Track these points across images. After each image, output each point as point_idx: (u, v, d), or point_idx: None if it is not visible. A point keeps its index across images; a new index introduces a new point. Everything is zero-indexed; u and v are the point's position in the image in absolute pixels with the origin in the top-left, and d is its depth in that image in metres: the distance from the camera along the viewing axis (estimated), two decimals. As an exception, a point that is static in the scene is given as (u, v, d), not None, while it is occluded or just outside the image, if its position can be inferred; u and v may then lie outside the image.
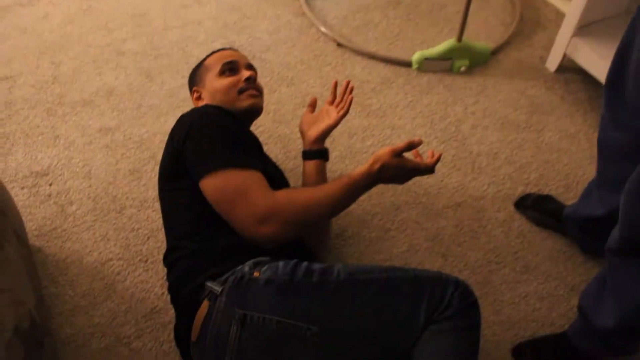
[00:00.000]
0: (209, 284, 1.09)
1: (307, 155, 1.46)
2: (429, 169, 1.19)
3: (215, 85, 1.42)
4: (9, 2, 2.39)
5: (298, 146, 1.83)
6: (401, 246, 1.60)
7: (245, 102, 1.41)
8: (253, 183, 1.14)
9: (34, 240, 1.58)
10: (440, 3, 2.42)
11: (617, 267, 1.18)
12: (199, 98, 1.46)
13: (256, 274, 1.08)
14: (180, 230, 1.22)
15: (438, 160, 1.20)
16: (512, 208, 1.70)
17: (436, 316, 1.06)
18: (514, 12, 2.37)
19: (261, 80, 2.04)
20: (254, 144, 1.33)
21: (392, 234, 1.63)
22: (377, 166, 1.16)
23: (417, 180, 1.73)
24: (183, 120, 1.26)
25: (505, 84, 2.07)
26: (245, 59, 1.52)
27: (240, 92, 1.41)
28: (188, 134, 1.20)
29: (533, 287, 1.53)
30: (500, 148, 1.85)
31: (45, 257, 1.55)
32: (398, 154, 1.17)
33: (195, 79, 1.50)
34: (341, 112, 1.43)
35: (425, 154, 1.29)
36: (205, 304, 1.08)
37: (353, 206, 1.64)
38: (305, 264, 1.12)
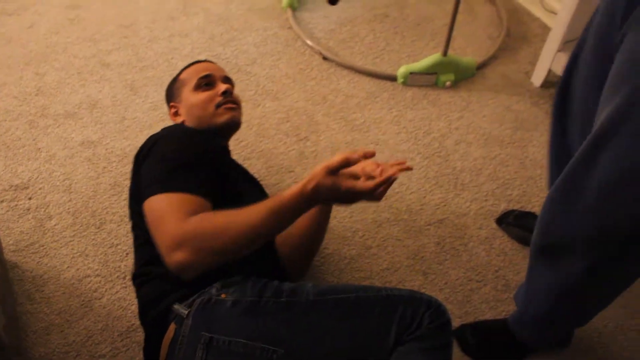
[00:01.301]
0: (175, 306, 1.08)
1: None
2: (368, 193, 0.98)
3: (191, 101, 1.40)
4: (-5, 12, 2.38)
5: (281, 161, 1.82)
6: (382, 264, 1.59)
7: (223, 117, 1.39)
8: (172, 208, 1.05)
9: (10, 256, 1.56)
10: (427, 17, 2.42)
11: (531, 264, 1.27)
12: (176, 114, 1.45)
13: (223, 295, 1.07)
14: (146, 253, 1.20)
15: (383, 183, 0.98)
16: (494, 225, 1.69)
17: (405, 337, 1.04)
18: (500, 26, 2.37)
19: (245, 93, 2.04)
20: (214, 164, 1.23)
21: (373, 251, 1.62)
22: (311, 185, 0.99)
23: (399, 196, 1.74)
24: (147, 142, 1.25)
25: (491, 98, 2.07)
26: (222, 71, 1.50)
27: (218, 106, 1.39)
28: (147, 156, 1.19)
29: (514, 306, 1.52)
30: (483, 164, 1.85)
31: (22, 273, 1.54)
32: (332, 171, 0.98)
33: (171, 93, 1.49)
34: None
35: (407, 162, 1.17)
36: (172, 327, 1.06)
37: (333, 222, 1.66)
38: (275, 283, 1.10)
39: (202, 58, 2.16)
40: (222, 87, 1.41)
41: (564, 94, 1.28)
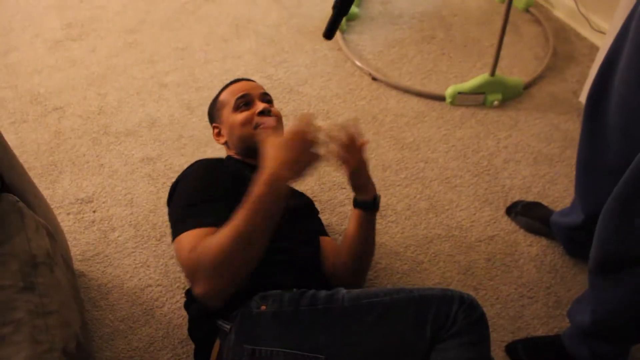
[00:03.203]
0: (219, 322, 1.12)
1: (354, 201, 1.39)
2: (297, 132, 1.03)
3: (231, 122, 1.43)
4: (61, 36, 2.52)
5: (333, 178, 1.87)
6: (434, 279, 1.62)
7: (261, 137, 1.40)
8: (184, 245, 1.08)
9: (77, 265, 1.65)
10: (474, 38, 2.45)
11: (595, 282, 1.25)
12: (219, 134, 1.50)
13: (263, 307, 1.10)
14: None
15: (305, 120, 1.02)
16: (545, 242, 1.70)
17: (442, 334, 1.04)
18: (547, 46, 2.39)
19: (298, 112, 2.10)
20: (238, 189, 1.17)
21: (424, 266, 1.64)
22: (263, 167, 1.03)
23: (450, 213, 1.76)
24: (173, 183, 1.32)
25: (538, 117, 2.09)
26: (259, 88, 1.51)
27: (256, 127, 1.40)
28: (171, 199, 1.29)
29: (566, 323, 1.52)
30: (532, 182, 1.86)
31: (88, 282, 1.62)
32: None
33: (213, 115, 1.53)
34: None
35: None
36: (217, 343, 1.11)
37: (385, 237, 1.69)
38: (311, 292, 1.12)
39: (253, 78, 2.25)
40: (260, 106, 1.43)
41: (598, 97, 1.26)
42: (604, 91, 1.24)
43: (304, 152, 1.05)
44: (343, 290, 1.12)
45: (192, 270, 1.03)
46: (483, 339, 1.08)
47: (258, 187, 1.02)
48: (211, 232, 1.07)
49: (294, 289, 1.15)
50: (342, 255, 1.41)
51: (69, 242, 1.64)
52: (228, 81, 1.56)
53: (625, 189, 1.07)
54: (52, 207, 1.75)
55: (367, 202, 1.36)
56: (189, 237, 1.09)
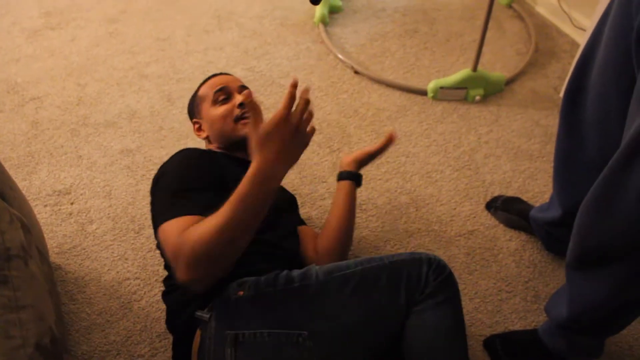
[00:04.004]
0: (198, 312, 1.11)
1: (339, 176, 1.52)
2: (283, 119, 0.97)
3: (211, 116, 1.43)
4: (40, 25, 2.48)
5: (314, 172, 1.87)
6: (413, 273, 1.62)
7: (242, 131, 1.40)
8: (171, 232, 1.07)
9: (54, 258, 1.63)
10: (456, 32, 2.46)
11: (572, 277, 1.27)
12: (199, 129, 1.49)
13: (240, 292, 1.10)
14: (168, 266, 1.26)
15: (289, 102, 0.97)
16: (524, 237, 1.71)
17: (417, 296, 1.09)
18: (529, 42, 2.40)
19: (279, 105, 2.08)
20: (222, 180, 1.24)
21: (404, 260, 1.65)
22: (252, 159, 1.00)
23: (430, 207, 1.76)
24: (157, 172, 1.30)
25: (519, 113, 2.10)
26: (237, 81, 1.50)
27: (236, 120, 1.40)
28: (154, 188, 1.27)
29: (543, 317, 1.53)
30: (512, 177, 1.87)
31: (65, 275, 1.60)
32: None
33: (193, 110, 1.52)
34: (383, 143, 1.49)
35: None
36: (198, 333, 1.10)
37: (365, 232, 1.69)
38: (285, 272, 1.14)
39: (237, 71, 2.23)
40: (239, 98, 1.42)
41: (575, 92, 1.27)
42: (581, 87, 1.25)
43: (291, 138, 0.99)
44: (315, 267, 1.14)
45: (174, 255, 1.02)
46: (454, 296, 1.13)
47: (249, 184, 0.98)
48: (195, 220, 1.06)
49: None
50: (326, 236, 1.44)
51: (45, 235, 1.61)
52: (210, 73, 1.54)
53: (603, 185, 1.08)
54: (28, 199, 1.73)
55: (354, 173, 1.50)
56: (177, 223, 1.08)
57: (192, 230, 1.02)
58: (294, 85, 0.97)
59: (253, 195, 0.98)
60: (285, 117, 0.97)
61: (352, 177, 1.50)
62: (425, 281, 1.09)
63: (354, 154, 1.54)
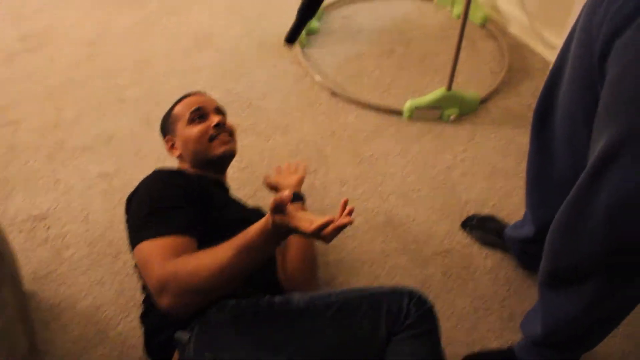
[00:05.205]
0: (177, 334, 1.11)
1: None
2: (311, 234, 0.94)
3: (186, 135, 1.43)
4: (18, 48, 2.48)
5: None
6: (390, 293, 1.63)
7: (217, 150, 1.42)
8: (154, 254, 1.08)
9: (29, 284, 1.61)
10: (432, 52, 2.50)
11: (545, 294, 1.29)
12: (172, 147, 1.49)
13: (221, 314, 1.11)
14: (146, 287, 1.25)
15: (324, 226, 0.92)
16: (499, 255, 1.73)
17: (397, 327, 1.09)
18: (502, 62, 2.45)
19: (257, 126, 2.11)
20: (197, 200, 1.25)
21: (381, 280, 1.66)
22: (272, 219, 0.99)
23: (407, 227, 1.78)
24: (132, 192, 1.30)
25: (494, 132, 2.13)
26: (213, 102, 1.53)
27: (211, 139, 1.42)
28: (129, 207, 1.28)
29: (519, 336, 1.55)
30: (488, 195, 1.90)
31: (39, 302, 1.58)
32: (277, 209, 0.97)
33: (166, 128, 1.52)
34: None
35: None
36: (176, 355, 1.10)
37: (342, 254, 1.70)
38: (266, 297, 1.14)
39: (215, 93, 2.24)
40: (215, 119, 1.44)
41: (544, 110, 1.30)
42: (550, 105, 1.27)
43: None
44: (297, 294, 1.15)
45: (161, 283, 1.04)
46: (433, 329, 1.14)
47: (261, 236, 1.02)
48: (180, 242, 1.10)
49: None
50: (289, 258, 1.45)
51: (20, 261, 1.60)
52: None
53: (572, 205, 1.10)
54: (3, 224, 1.71)
55: (299, 195, 1.55)
56: (156, 246, 1.10)
57: (184, 263, 1.05)
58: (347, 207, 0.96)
59: (260, 247, 1.03)
60: (327, 222, 0.93)
61: (299, 198, 1.55)
62: (407, 312, 1.10)
63: (297, 177, 1.63)
